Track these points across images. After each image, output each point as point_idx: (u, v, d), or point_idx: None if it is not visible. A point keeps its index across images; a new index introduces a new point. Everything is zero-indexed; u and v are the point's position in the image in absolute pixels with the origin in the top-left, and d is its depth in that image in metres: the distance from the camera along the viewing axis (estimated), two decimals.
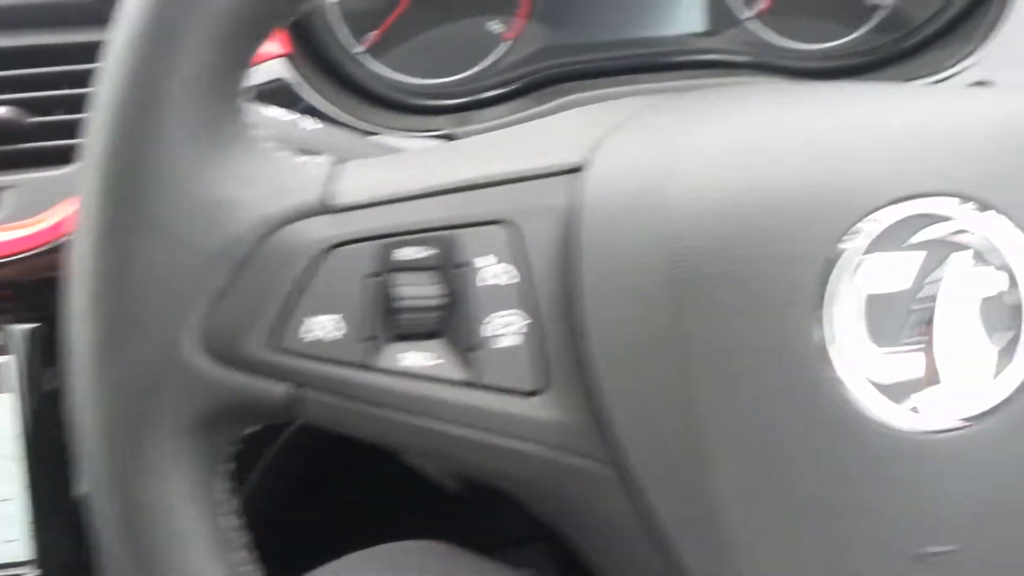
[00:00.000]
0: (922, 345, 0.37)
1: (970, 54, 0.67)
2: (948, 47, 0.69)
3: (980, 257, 0.38)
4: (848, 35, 0.74)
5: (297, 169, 0.39)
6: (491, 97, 0.71)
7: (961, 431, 0.37)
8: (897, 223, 0.38)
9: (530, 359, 0.38)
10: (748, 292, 0.37)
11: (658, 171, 0.39)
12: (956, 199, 0.38)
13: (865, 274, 0.37)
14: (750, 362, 0.37)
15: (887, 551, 0.38)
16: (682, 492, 0.38)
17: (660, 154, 0.40)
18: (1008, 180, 0.38)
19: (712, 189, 0.39)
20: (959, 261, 0.38)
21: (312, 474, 0.82)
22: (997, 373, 0.37)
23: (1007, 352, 0.37)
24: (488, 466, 0.40)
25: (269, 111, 0.59)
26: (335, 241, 0.38)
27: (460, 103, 0.71)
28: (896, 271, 0.37)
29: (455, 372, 0.38)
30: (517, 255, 0.39)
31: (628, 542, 0.39)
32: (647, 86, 0.69)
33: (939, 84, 0.66)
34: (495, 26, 0.74)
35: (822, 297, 0.37)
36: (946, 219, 0.38)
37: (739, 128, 0.41)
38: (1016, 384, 0.37)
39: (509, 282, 0.39)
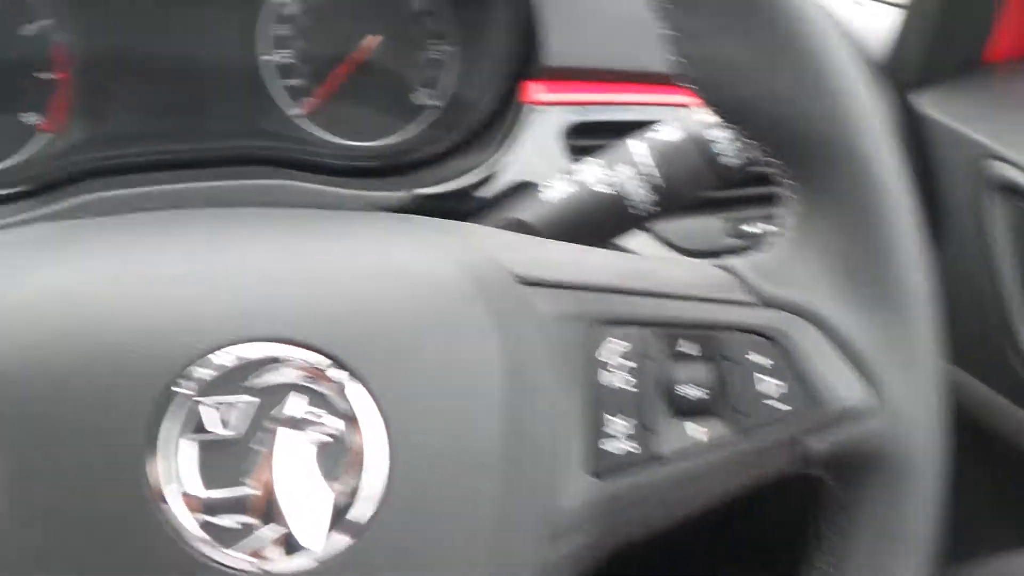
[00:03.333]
0: (259, 489, 0.38)
1: (487, 160, 0.71)
2: (474, 153, 0.73)
3: (317, 402, 0.39)
4: (397, 134, 0.77)
5: None
6: (15, 193, 0.68)
7: (301, 574, 0.38)
8: (233, 367, 0.38)
9: None
10: (79, 435, 0.37)
11: None
12: (293, 345, 0.39)
13: (199, 417, 0.38)
14: (85, 505, 0.37)
15: None
16: None
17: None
18: (349, 331, 0.40)
19: (36, 332, 0.38)
20: (295, 406, 0.39)
21: None
22: (335, 517, 0.39)
23: (345, 496, 0.39)
24: None
25: None
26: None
27: None
28: (231, 414, 0.38)
29: None
30: None
31: None
32: (190, 185, 0.69)
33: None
34: (29, 118, 0.71)
35: (156, 440, 0.37)
36: (282, 363, 0.39)
37: (83, 266, 0.41)
38: (355, 526, 0.39)
39: None
